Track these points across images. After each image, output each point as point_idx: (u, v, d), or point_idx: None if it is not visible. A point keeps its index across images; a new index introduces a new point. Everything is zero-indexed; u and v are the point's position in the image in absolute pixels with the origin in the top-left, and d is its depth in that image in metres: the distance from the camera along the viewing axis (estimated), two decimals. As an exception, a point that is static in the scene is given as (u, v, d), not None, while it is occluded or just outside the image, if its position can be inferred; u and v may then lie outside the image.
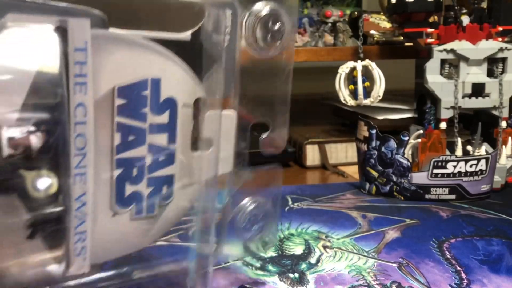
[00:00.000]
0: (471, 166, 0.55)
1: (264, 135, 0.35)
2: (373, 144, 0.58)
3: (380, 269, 0.40)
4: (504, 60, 0.60)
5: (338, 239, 0.46)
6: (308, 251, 0.43)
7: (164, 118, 0.30)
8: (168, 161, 0.30)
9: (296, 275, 0.39)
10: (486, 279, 0.38)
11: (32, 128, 0.25)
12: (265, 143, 0.35)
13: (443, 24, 0.63)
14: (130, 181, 0.29)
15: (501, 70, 0.61)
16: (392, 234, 0.47)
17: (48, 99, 0.25)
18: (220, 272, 0.39)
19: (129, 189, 0.29)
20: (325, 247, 0.44)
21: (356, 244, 0.45)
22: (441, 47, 0.60)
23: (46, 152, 0.26)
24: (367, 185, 0.59)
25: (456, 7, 0.61)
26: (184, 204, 0.32)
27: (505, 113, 0.61)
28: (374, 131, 0.57)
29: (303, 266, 0.41)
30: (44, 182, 0.26)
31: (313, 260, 0.42)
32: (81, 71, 0.26)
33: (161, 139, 0.30)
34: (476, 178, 0.56)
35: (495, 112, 0.61)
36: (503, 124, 0.61)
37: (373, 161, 0.58)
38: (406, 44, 0.77)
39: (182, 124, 0.30)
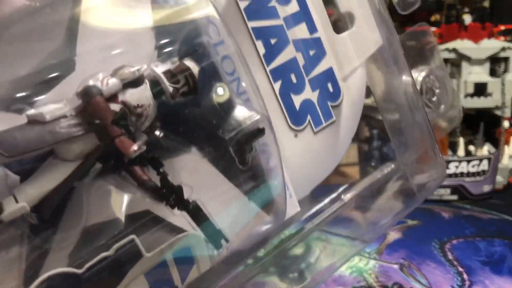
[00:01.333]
0: (473, 166, 0.55)
1: None
2: (375, 144, 0.57)
3: (381, 271, 0.39)
4: (506, 59, 0.60)
5: (337, 239, 0.46)
6: (308, 250, 0.43)
7: (293, 5, 0.26)
8: (319, 53, 0.27)
9: (296, 275, 0.39)
10: (488, 280, 0.38)
11: (178, 58, 0.22)
12: None
13: (445, 23, 0.62)
14: (294, 90, 0.26)
15: (503, 69, 0.60)
16: (393, 235, 0.47)
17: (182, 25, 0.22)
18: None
19: (296, 100, 0.26)
20: (325, 247, 0.44)
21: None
22: (443, 46, 0.59)
23: (207, 78, 0.22)
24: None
25: (458, 6, 0.61)
26: (357, 96, 0.29)
27: (507, 113, 0.60)
28: (375, 131, 0.57)
29: (303, 266, 0.40)
30: (220, 90, 0.22)
31: (312, 260, 0.41)
32: None
33: (301, 30, 0.27)
34: (478, 178, 0.55)
35: (498, 112, 0.60)
36: (506, 124, 0.60)
37: (374, 161, 0.58)
38: (408, 43, 0.76)
39: (314, 6, 0.27)
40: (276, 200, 0.24)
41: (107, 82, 0.20)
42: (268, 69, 0.25)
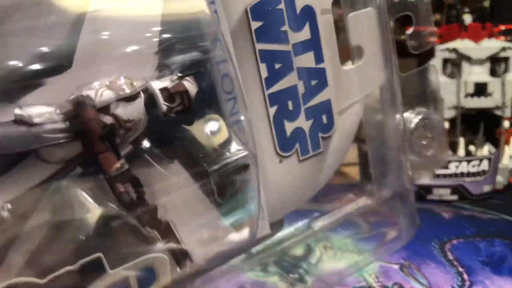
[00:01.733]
0: (473, 166, 0.55)
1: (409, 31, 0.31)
2: (375, 144, 0.57)
3: (381, 271, 0.39)
4: (506, 59, 0.60)
5: (338, 239, 0.46)
6: (309, 251, 0.43)
7: (305, 33, 0.26)
8: (320, 84, 0.27)
9: (296, 276, 0.39)
10: (488, 281, 0.38)
11: (180, 74, 0.21)
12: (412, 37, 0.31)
13: (445, 23, 0.62)
14: (288, 117, 0.26)
15: (503, 69, 0.60)
16: (393, 235, 0.47)
17: (188, 39, 0.21)
18: (219, 273, 0.39)
19: (288, 127, 0.26)
20: (325, 247, 0.44)
21: (357, 245, 0.44)
22: (444, 46, 0.59)
23: (203, 99, 0.22)
24: (368, 186, 0.59)
25: (458, 6, 0.61)
26: (349, 130, 0.29)
27: (507, 112, 0.60)
28: (375, 131, 0.57)
29: (304, 266, 0.40)
30: (213, 125, 0.22)
31: (313, 260, 0.41)
32: None
33: (308, 59, 0.26)
34: (478, 178, 0.55)
35: (498, 112, 0.60)
36: (506, 124, 0.60)
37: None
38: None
39: (325, 36, 0.27)
40: (249, 223, 0.24)
41: (101, 94, 0.20)
42: (266, 93, 0.25)
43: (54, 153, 0.20)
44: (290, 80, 0.26)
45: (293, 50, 0.26)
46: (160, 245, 0.22)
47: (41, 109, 0.19)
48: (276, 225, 0.27)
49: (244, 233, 0.24)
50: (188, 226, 0.22)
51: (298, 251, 0.43)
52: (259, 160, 0.24)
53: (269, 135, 0.26)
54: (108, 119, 0.20)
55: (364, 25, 0.28)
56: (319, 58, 0.27)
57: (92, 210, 0.21)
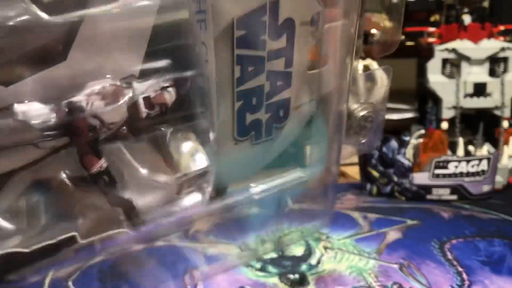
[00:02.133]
0: (472, 166, 0.55)
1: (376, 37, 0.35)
2: (374, 144, 0.57)
3: (381, 270, 0.40)
4: (506, 59, 0.60)
5: (338, 240, 0.46)
6: (309, 252, 0.43)
7: (282, 42, 0.28)
8: (285, 84, 0.30)
9: (297, 276, 0.39)
10: (488, 280, 0.38)
11: (165, 84, 0.24)
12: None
13: (445, 23, 0.62)
14: (250, 110, 0.29)
15: (503, 69, 0.60)
16: (393, 235, 0.47)
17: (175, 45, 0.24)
18: (219, 273, 0.39)
19: (249, 118, 0.29)
20: (325, 248, 0.44)
21: (357, 245, 0.44)
22: (443, 46, 0.59)
23: (179, 106, 0.25)
24: (368, 186, 0.59)
25: (457, 6, 0.61)
26: (299, 121, 0.32)
27: (506, 113, 0.60)
28: (375, 131, 0.57)
29: (304, 267, 0.40)
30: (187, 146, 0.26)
31: (313, 261, 0.41)
32: (200, 7, 0.25)
33: (278, 64, 0.29)
34: (477, 178, 0.55)
35: (497, 112, 0.60)
36: (505, 124, 0.60)
37: (374, 161, 0.58)
38: (407, 43, 0.76)
39: (299, 45, 0.29)
40: (203, 199, 0.28)
41: (92, 104, 0.22)
42: (236, 90, 0.28)
43: (45, 142, 0.23)
44: (258, 80, 0.28)
45: (267, 56, 0.28)
46: (123, 220, 0.26)
47: (39, 110, 0.22)
48: (222, 190, 0.32)
49: (196, 203, 0.28)
50: (148, 201, 0.26)
51: (298, 251, 0.43)
52: (218, 142, 0.28)
53: (231, 123, 0.29)
54: (95, 122, 0.23)
55: (336, 36, 0.31)
56: (288, 63, 0.29)
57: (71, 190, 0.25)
